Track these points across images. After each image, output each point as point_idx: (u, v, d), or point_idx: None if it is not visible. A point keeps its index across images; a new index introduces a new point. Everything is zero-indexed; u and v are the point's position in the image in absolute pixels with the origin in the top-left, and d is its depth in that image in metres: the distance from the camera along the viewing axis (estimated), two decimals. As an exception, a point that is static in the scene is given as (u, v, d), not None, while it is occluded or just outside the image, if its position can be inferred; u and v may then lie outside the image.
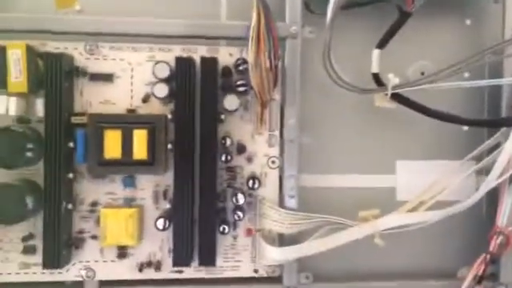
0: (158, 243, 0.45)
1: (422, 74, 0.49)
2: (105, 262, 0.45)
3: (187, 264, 0.43)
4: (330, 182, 0.49)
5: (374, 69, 0.45)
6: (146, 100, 0.44)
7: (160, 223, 0.43)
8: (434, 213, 0.46)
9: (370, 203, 0.48)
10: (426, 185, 0.47)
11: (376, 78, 0.46)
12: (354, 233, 0.46)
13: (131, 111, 0.44)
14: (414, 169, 0.50)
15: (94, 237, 0.44)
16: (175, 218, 0.43)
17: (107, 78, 0.44)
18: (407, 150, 0.50)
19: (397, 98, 0.46)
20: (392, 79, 0.45)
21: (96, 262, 0.45)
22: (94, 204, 0.44)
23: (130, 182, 0.44)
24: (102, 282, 0.45)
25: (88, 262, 0.45)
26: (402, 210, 0.47)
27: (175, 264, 0.43)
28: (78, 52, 0.43)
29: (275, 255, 0.45)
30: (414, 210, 0.47)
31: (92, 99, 0.44)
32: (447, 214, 0.46)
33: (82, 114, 0.42)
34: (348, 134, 0.49)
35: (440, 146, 0.50)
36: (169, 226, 0.43)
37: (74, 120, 0.42)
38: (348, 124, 0.49)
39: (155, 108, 0.44)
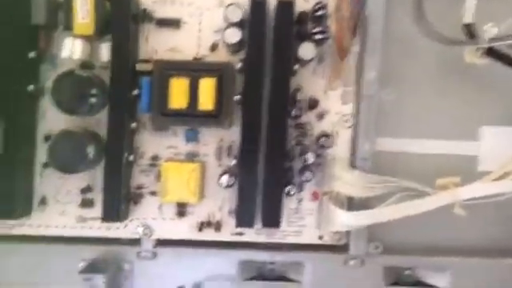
0: (218, 203, 0.42)
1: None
2: (163, 219, 0.42)
3: (250, 225, 0.40)
4: (407, 146, 0.44)
5: (468, 18, 0.40)
6: (213, 49, 0.41)
7: (224, 179, 0.40)
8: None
9: (447, 172, 0.44)
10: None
11: (469, 29, 0.41)
12: (432, 201, 0.42)
13: (198, 60, 0.41)
14: (500, 136, 0.45)
15: (153, 193, 0.42)
16: (240, 175, 0.40)
17: (174, 23, 0.41)
18: (494, 115, 0.45)
19: (492, 53, 0.41)
20: (489, 30, 0.40)
21: (154, 219, 0.42)
22: (155, 158, 0.42)
23: (193, 136, 0.42)
24: (159, 241, 0.43)
25: (145, 218, 0.42)
26: (486, 180, 0.43)
27: (239, 224, 0.40)
28: (144, -6, 0.41)
29: (344, 219, 0.41)
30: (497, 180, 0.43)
31: (158, 46, 0.41)
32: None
33: (148, 61, 0.39)
34: (430, 94, 0.44)
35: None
36: (233, 183, 0.40)
37: (139, 67, 0.39)
38: (431, 82, 0.44)
39: (223, 57, 0.41)
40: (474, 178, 0.43)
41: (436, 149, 0.45)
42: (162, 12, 0.41)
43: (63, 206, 0.41)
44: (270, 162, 0.40)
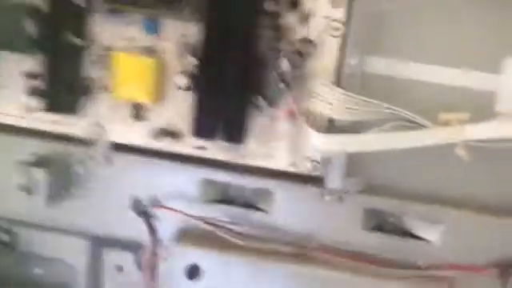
0: (180, 109, 0.37)
1: None
2: (117, 120, 0.38)
3: (209, 136, 0.35)
4: (407, 71, 0.37)
5: None
6: None
7: (181, 79, 0.34)
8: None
9: (454, 108, 0.36)
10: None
11: None
12: (430, 135, 0.35)
13: None
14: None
15: (107, 88, 0.37)
16: (200, 76, 0.34)
17: None
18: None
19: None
20: None
21: (107, 119, 0.38)
22: (109, 48, 0.37)
23: (152, 27, 0.36)
24: (112, 145, 0.38)
25: (98, 117, 0.38)
26: (502, 119, 0.35)
27: (195, 133, 0.35)
28: None
29: (319, 142, 0.35)
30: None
31: None
32: None
33: None
34: (443, 8, 0.36)
35: None
36: (193, 86, 0.35)
37: None
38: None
39: None
40: (488, 118, 0.35)
41: (443, 77, 0.37)
42: None
43: (6, 90, 0.37)
44: (236, 64, 0.34)
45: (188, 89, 0.35)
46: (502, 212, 0.38)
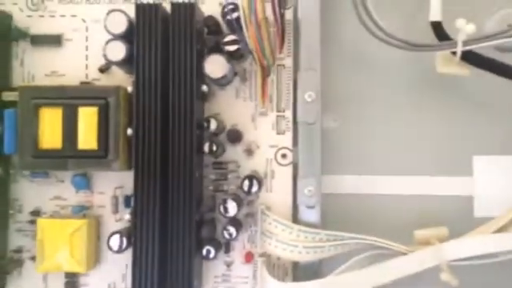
0: (121, 270, 0.32)
1: (510, 26, 0.32)
2: (49, 294, 0.33)
3: (153, 300, 0.30)
4: (369, 186, 0.33)
5: (435, 16, 0.30)
6: (104, 69, 0.32)
7: (114, 242, 0.30)
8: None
9: (429, 220, 0.32)
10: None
11: (437, 28, 0.30)
12: (408, 263, 0.30)
13: (86, 84, 0.32)
14: (500, 168, 0.33)
15: (35, 258, 0.32)
16: (136, 234, 0.30)
17: (55, 40, 0.32)
18: (488, 141, 0.33)
19: (472, 58, 0.30)
20: (464, 28, 0.29)
21: (38, 294, 0.33)
22: (36, 213, 0.32)
23: (82, 183, 0.32)
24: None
25: (27, 293, 0.33)
26: (484, 230, 0.31)
27: (136, 300, 0.30)
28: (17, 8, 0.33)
29: (280, 295, 0.30)
30: (501, 231, 0.31)
31: (35, 70, 0.33)
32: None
33: (15, 89, 0.31)
34: (393, 117, 0.33)
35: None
36: (127, 245, 0.30)
37: (6, 97, 0.31)
38: (393, 101, 0.33)
39: (117, 80, 0.32)
40: (468, 227, 0.31)
41: (410, 188, 0.33)
42: (38, 27, 0.32)
43: None
44: (176, 217, 0.30)
45: (121, 251, 0.30)
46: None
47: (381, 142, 0.33)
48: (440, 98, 0.33)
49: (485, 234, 0.31)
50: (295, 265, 0.32)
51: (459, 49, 0.30)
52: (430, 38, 0.31)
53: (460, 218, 0.33)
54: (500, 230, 0.30)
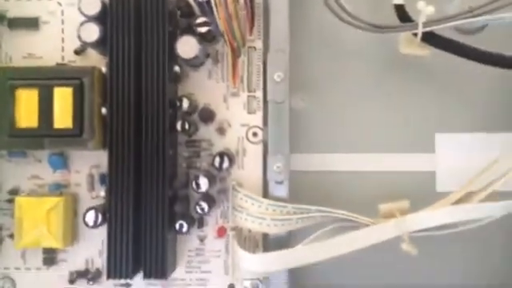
0: (97, 246, 0.33)
1: (471, 10, 0.34)
2: (28, 269, 0.33)
3: (125, 276, 0.31)
4: (334, 163, 0.35)
5: (397, -2, 0.31)
6: (80, 51, 0.33)
7: (90, 217, 0.31)
8: (495, 205, 0.31)
9: (394, 195, 0.34)
10: (480, 168, 0.32)
11: (400, 11, 0.32)
12: (371, 234, 0.32)
13: (61, 65, 0.33)
14: (461, 145, 0.35)
15: (13, 236, 0.33)
16: (110, 210, 0.31)
17: (32, 23, 0.33)
18: (449, 119, 0.35)
19: (432, 39, 0.32)
20: (424, 9, 0.31)
21: (17, 269, 0.33)
22: (14, 192, 0.33)
23: (58, 162, 0.33)
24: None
25: (7, 269, 0.33)
26: (444, 203, 0.33)
27: (109, 275, 0.31)
28: (-7, -9, 0.33)
29: (254, 265, 0.32)
30: (459, 203, 0.33)
31: (13, 52, 0.33)
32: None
33: (-8, 71, 0.32)
34: (359, 96, 0.35)
35: (500, 112, 0.35)
36: (103, 221, 0.31)
37: (-18, 78, 0.32)
38: (359, 82, 0.35)
39: (92, 62, 0.33)
40: (431, 201, 0.33)
41: (374, 164, 0.35)
42: (15, 11, 0.33)
43: None
44: (149, 192, 0.31)
45: (96, 226, 0.31)
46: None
47: (347, 121, 0.35)
48: (404, 78, 0.35)
49: (444, 205, 0.33)
50: (265, 237, 0.33)
51: (420, 30, 0.31)
52: (395, 20, 0.32)
53: (423, 193, 0.35)
54: (458, 202, 0.32)
